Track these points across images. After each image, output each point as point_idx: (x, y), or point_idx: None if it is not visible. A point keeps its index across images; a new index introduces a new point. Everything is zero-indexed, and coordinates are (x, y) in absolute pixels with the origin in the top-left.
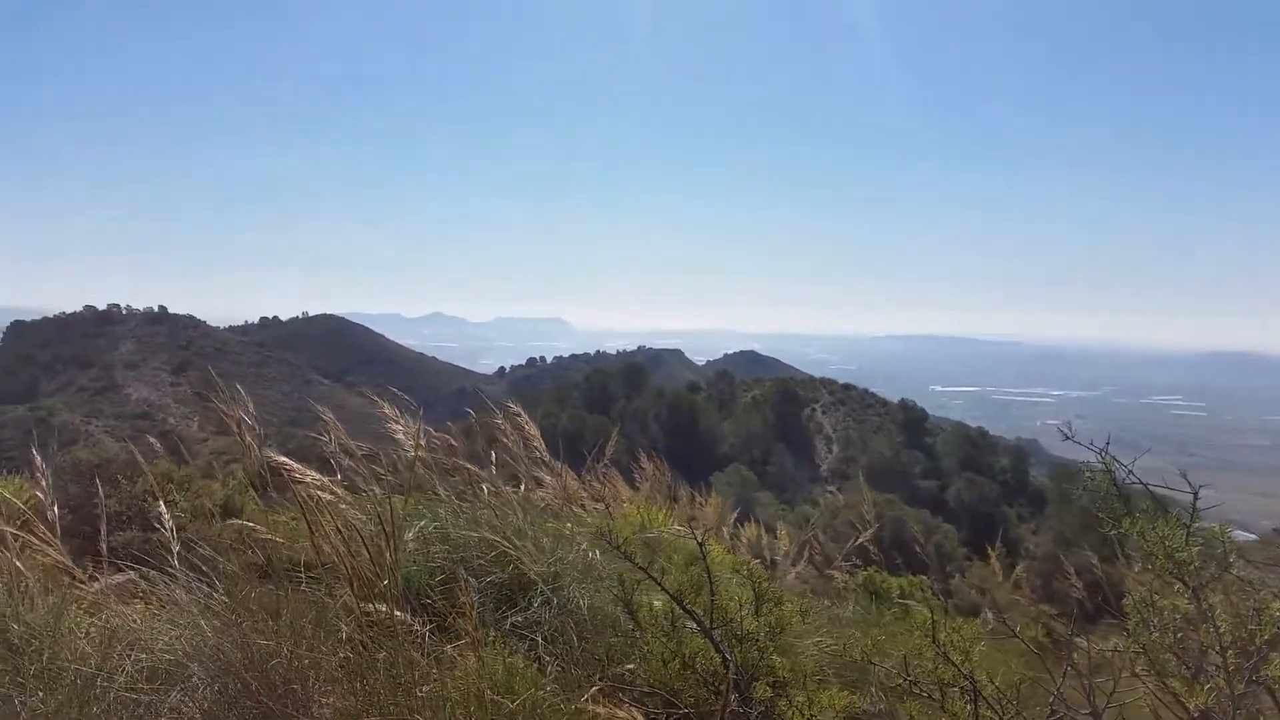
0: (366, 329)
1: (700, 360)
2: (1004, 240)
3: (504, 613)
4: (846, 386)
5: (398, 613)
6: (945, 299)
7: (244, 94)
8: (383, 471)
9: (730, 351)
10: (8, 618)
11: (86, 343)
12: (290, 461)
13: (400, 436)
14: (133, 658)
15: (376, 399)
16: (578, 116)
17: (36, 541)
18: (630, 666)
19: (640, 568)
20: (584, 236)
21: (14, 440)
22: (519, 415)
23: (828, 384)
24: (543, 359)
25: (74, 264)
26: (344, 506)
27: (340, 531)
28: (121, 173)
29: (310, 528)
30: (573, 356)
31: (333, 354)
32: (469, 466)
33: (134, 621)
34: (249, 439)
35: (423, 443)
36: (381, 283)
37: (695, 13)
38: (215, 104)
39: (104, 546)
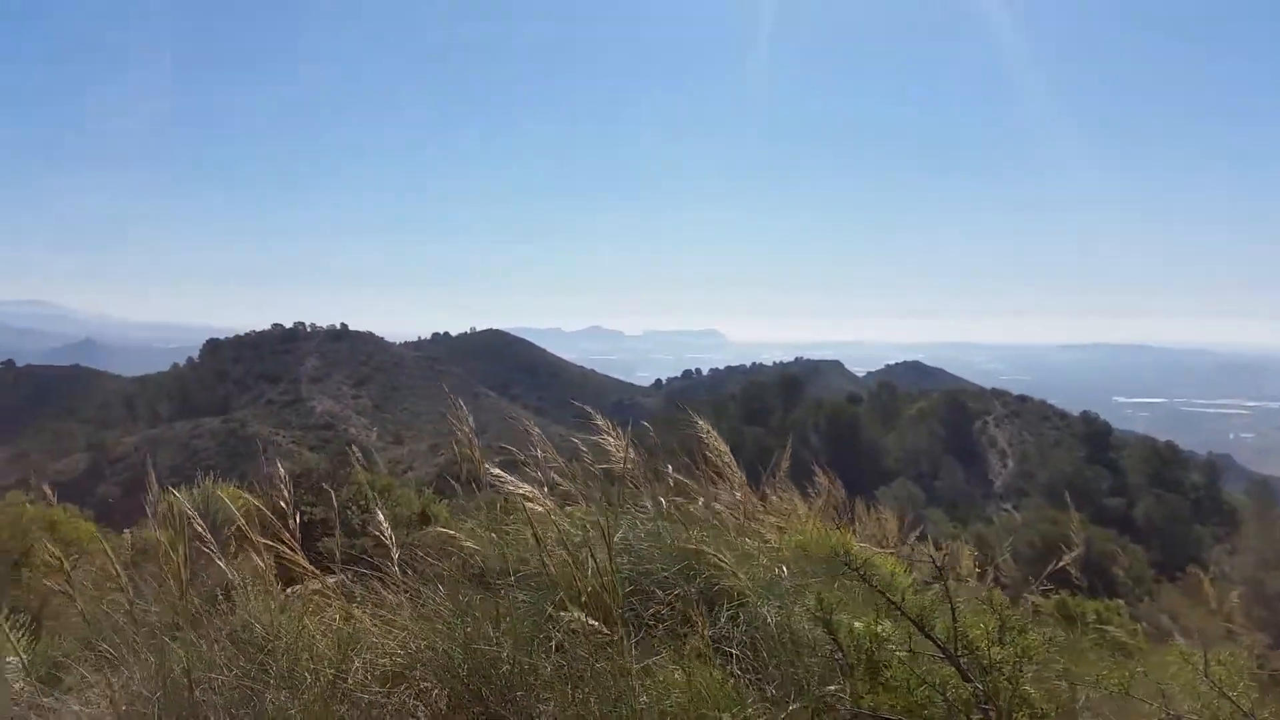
0: (529, 343)
1: (860, 371)
2: (1184, 242)
3: (692, 628)
4: (1021, 398)
5: (595, 623)
6: (1120, 304)
7: (414, 119)
8: (581, 484)
9: (892, 362)
10: (251, 619)
11: (275, 359)
12: (505, 475)
13: (609, 449)
14: (366, 660)
15: (525, 408)
16: (733, 131)
17: (264, 546)
18: (833, 688)
19: (879, 591)
20: (738, 248)
21: (210, 450)
22: (706, 430)
23: (1000, 395)
24: (698, 371)
25: (263, 286)
26: (554, 518)
27: (560, 542)
28: (306, 199)
29: (537, 539)
30: (728, 368)
31: (498, 367)
32: (683, 479)
33: (368, 625)
34: (473, 452)
35: (617, 454)
36: (542, 298)
37: (830, 25)
38: (387, 131)
39: (292, 552)
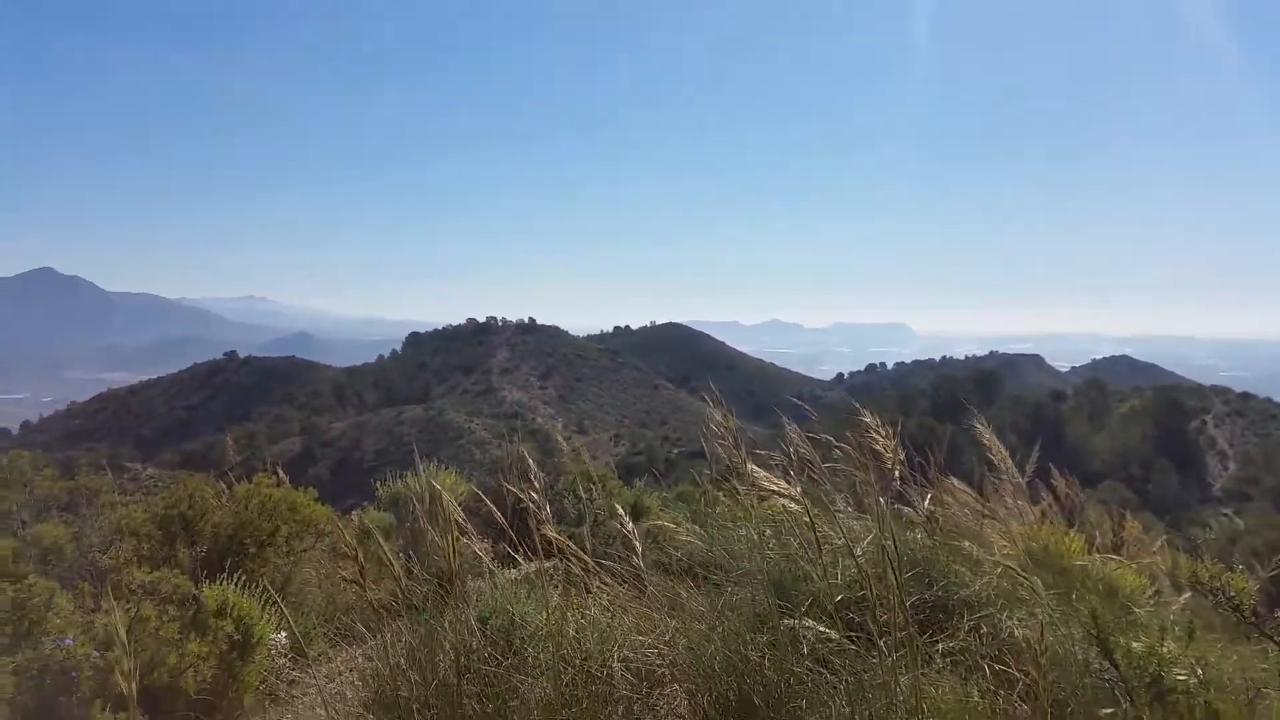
0: (708, 336)
1: (1063, 366)
2: None
3: (930, 637)
4: (1244, 395)
5: (831, 633)
6: None
7: (615, 131)
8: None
9: (1099, 356)
10: (509, 611)
11: (469, 351)
12: (757, 469)
13: (878, 448)
14: (620, 655)
15: (714, 403)
16: (922, 114)
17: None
18: (1109, 711)
19: (1246, 620)
20: (928, 238)
21: (412, 436)
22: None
23: (1220, 393)
24: (882, 365)
25: (460, 281)
26: (806, 519)
27: (815, 544)
28: (502, 202)
29: (818, 542)
30: (914, 363)
31: (678, 360)
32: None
33: (624, 620)
34: (732, 444)
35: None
36: (721, 291)
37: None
38: (584, 140)
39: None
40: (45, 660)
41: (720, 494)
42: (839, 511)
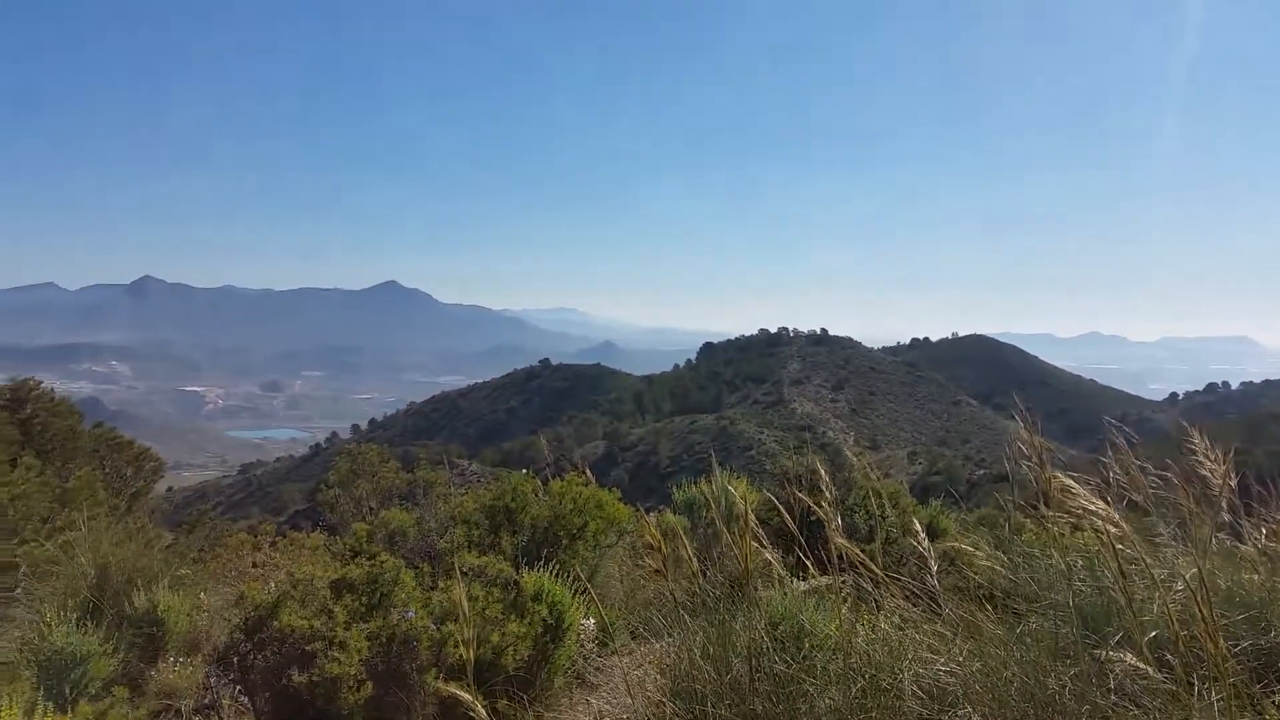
0: (1017, 349)
1: None
2: None
3: (1265, 687)
4: None
5: (1146, 666)
6: None
7: (912, 138)
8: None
9: None
10: (799, 618)
11: (760, 361)
12: (1076, 486)
13: (1206, 473)
14: (911, 671)
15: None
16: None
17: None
18: None
19: None
20: (1271, 238)
21: (704, 444)
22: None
23: None
24: (1225, 385)
25: (754, 292)
26: (1120, 545)
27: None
28: (786, 208)
29: (1119, 568)
30: (1265, 382)
31: (982, 375)
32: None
33: (915, 637)
34: (1038, 465)
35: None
36: (1034, 302)
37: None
38: (884, 149)
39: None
40: (393, 628)
41: (1027, 520)
42: (1161, 543)
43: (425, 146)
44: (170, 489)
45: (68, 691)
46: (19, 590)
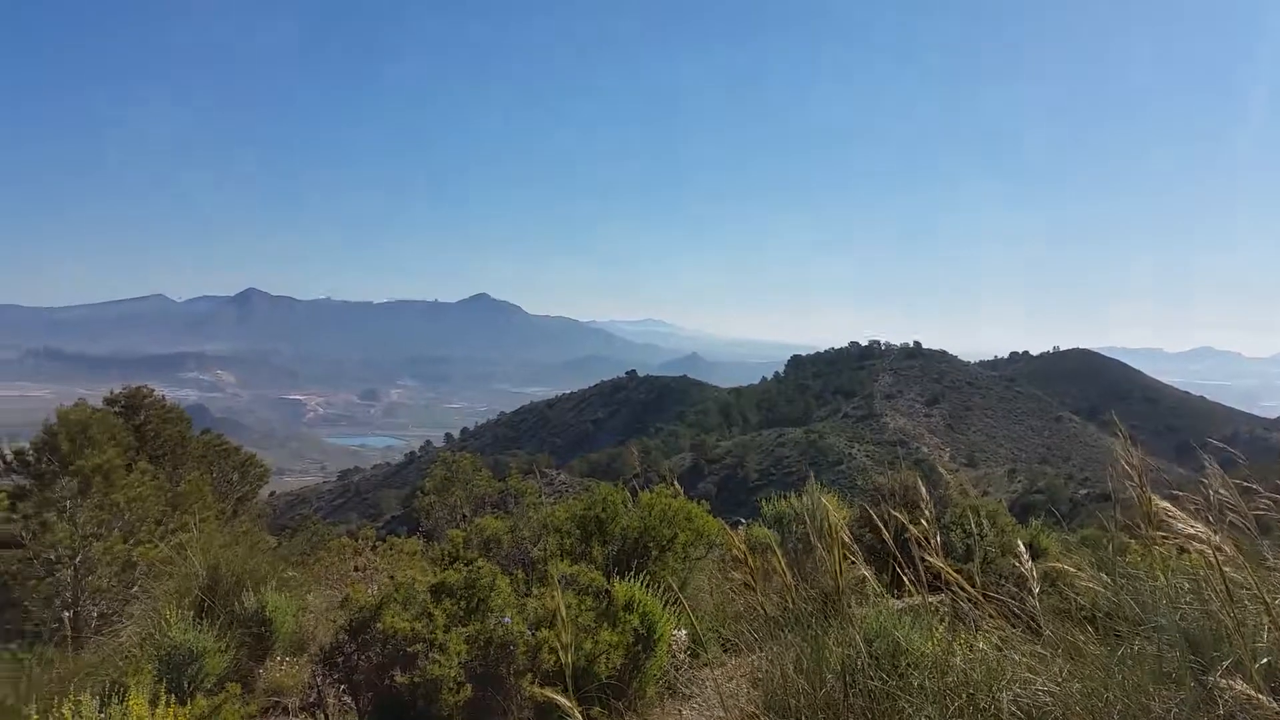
0: (1122, 364)
1: None
2: None
3: None
4: None
5: (1258, 694)
6: None
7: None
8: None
9: None
10: (894, 635)
11: (851, 375)
12: (1172, 508)
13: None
14: (1010, 692)
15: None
16: None
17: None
18: None
19: None
20: None
21: (792, 458)
22: None
23: None
24: None
25: (845, 305)
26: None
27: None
28: (868, 223)
29: (1227, 592)
30: None
31: (1084, 390)
32: None
33: (1014, 658)
34: (1139, 484)
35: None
36: (1139, 316)
37: None
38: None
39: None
40: (490, 633)
41: (1131, 541)
42: (1272, 567)
43: (518, 161)
44: (273, 493)
45: (185, 685)
46: (136, 588)
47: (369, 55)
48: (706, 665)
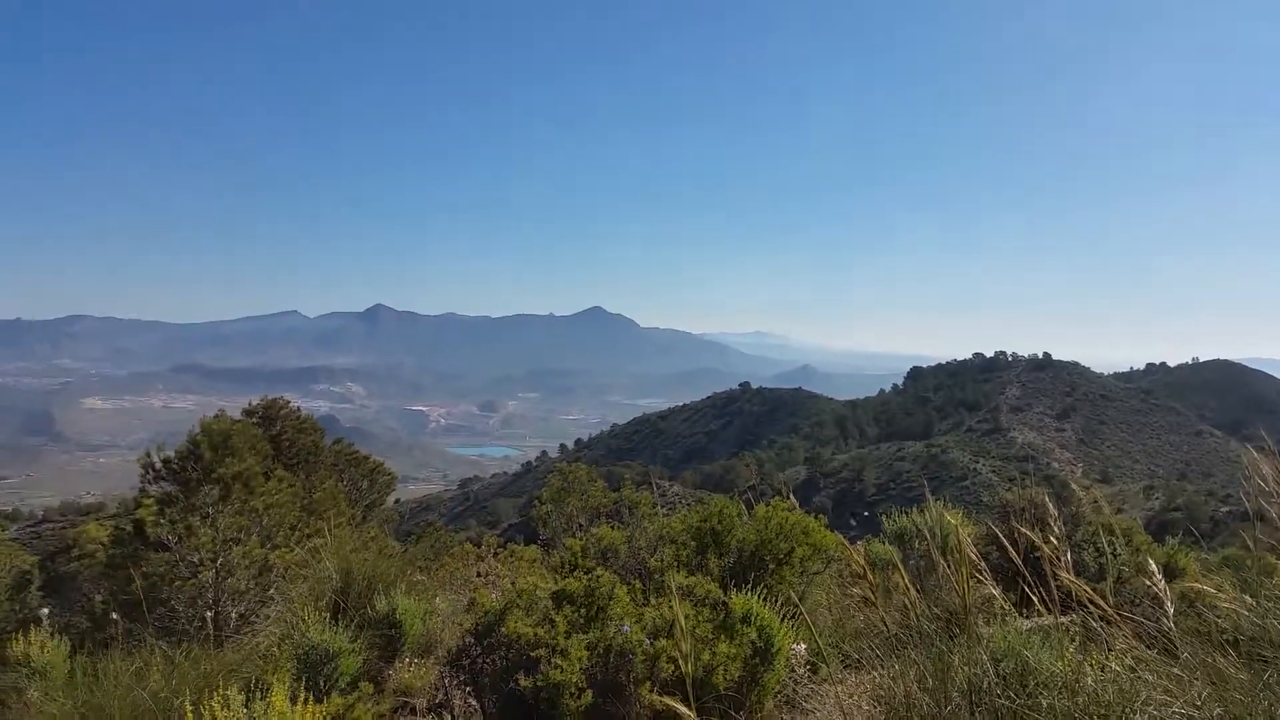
0: (1269, 376)
1: None
2: None
3: None
4: None
5: None
6: None
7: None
8: None
9: None
10: (1023, 655)
11: (974, 387)
12: None
13: None
14: (1145, 714)
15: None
16: None
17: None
18: None
19: None
20: None
21: (912, 472)
22: None
23: None
24: None
25: (965, 317)
26: None
27: None
28: (992, 230)
29: None
30: None
31: (1227, 403)
32: None
33: (1150, 678)
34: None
35: None
36: None
37: None
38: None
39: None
40: (609, 640)
41: (1277, 561)
42: None
43: (631, 176)
44: (398, 500)
45: (321, 684)
46: (273, 590)
47: (503, 77)
48: (826, 680)
